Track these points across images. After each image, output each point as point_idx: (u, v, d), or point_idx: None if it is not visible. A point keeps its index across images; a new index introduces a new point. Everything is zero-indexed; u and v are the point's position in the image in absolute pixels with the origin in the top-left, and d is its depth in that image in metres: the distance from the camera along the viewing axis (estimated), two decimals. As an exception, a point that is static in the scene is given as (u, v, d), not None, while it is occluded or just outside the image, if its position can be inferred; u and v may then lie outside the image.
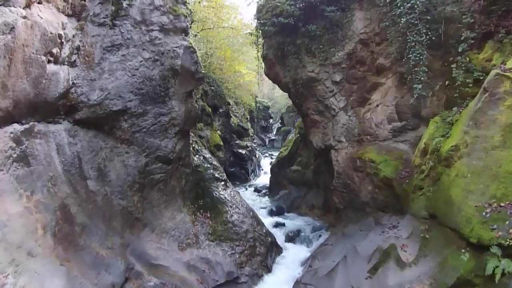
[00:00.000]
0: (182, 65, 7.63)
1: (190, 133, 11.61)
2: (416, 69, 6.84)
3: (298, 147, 14.20)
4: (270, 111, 38.37)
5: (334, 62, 8.17)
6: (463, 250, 4.66)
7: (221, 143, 16.77)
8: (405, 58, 7.08)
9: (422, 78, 6.75)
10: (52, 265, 5.82)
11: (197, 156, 10.34)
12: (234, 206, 10.00)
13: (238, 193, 11.02)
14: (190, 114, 8.25)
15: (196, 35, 16.70)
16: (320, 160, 12.56)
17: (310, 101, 8.87)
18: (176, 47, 7.54)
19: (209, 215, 9.75)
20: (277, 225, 12.37)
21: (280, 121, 37.01)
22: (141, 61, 7.50)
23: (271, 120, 39.29)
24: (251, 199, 15.95)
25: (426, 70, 6.78)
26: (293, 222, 12.85)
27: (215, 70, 18.02)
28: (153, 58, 7.45)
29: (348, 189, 8.15)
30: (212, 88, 17.03)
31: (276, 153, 28.88)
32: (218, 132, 17.84)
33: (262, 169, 22.93)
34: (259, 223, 10.33)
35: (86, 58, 7.71)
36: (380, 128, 7.87)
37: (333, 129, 8.53)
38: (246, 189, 18.17)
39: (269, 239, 10.04)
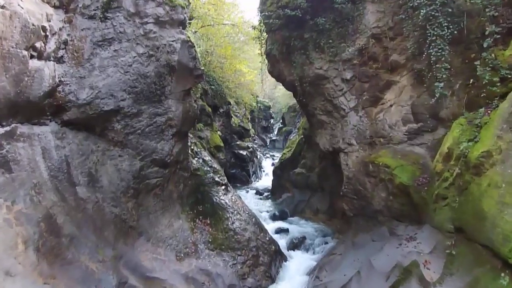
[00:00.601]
0: (179, 60, 7.02)
1: (189, 134, 11.01)
2: (437, 65, 6.22)
3: (302, 149, 13.60)
4: (271, 111, 37.86)
5: (344, 59, 7.55)
6: (502, 274, 4.06)
7: (222, 144, 16.17)
8: (424, 54, 6.46)
9: (444, 76, 6.13)
10: (34, 286, 5.21)
11: (196, 159, 9.73)
12: (236, 212, 9.40)
13: (240, 197, 10.42)
14: (188, 114, 7.63)
15: (195, 31, 16.07)
16: (325, 162, 11.96)
17: (317, 100, 8.26)
18: (173, 41, 6.92)
19: (209, 222, 9.15)
20: (280, 230, 11.79)
21: (281, 121, 36.58)
22: (134, 57, 6.89)
23: (272, 120, 38.84)
24: (252, 202, 15.38)
25: (448, 67, 6.16)
26: (297, 227, 12.27)
27: (215, 69, 17.41)
28: (148, 53, 6.83)
29: (359, 196, 7.55)
30: (212, 87, 16.41)
31: (277, 154, 28.39)
32: (219, 132, 17.24)
33: (264, 171, 22.35)
34: (262, 230, 9.73)
35: (75, 54, 7.10)
36: (394, 130, 7.26)
37: (343, 131, 7.91)
38: (247, 191, 17.59)
39: (273, 247, 9.45)
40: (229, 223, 9.01)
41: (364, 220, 7.71)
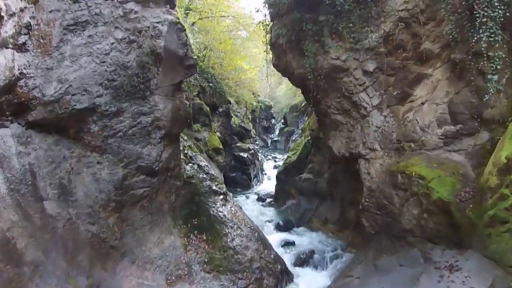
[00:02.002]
0: (166, 47, 5.79)
1: (183, 136, 9.77)
2: (488, 54, 4.99)
3: (309, 152, 12.35)
4: (272, 111, 36.81)
5: (367, 47, 6.31)
6: None
7: (221, 146, 14.95)
8: (464, 41, 5.24)
9: (498, 67, 4.91)
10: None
11: (190, 164, 8.50)
12: (236, 226, 8.16)
13: (241, 208, 9.19)
14: (178, 113, 6.41)
15: (193, 23, 14.87)
16: (336, 167, 10.73)
17: (332, 97, 7.00)
18: (158, 22, 5.69)
19: (205, 238, 7.92)
20: (286, 244, 10.57)
21: (282, 121, 35.58)
22: (112, 43, 5.67)
23: (273, 120, 37.81)
24: (254, 209, 14.16)
25: (503, 55, 4.94)
26: (304, 239, 11.05)
27: (214, 65, 16.19)
28: (128, 38, 5.61)
29: (383, 211, 6.33)
30: (211, 85, 15.19)
31: (279, 156, 27.21)
32: (218, 133, 16.02)
33: (265, 174, 21.13)
34: (266, 246, 8.49)
35: (41, 41, 5.89)
36: (427, 133, 6.04)
37: (363, 133, 6.68)
38: (248, 197, 16.37)
39: (279, 266, 8.22)
40: (228, 240, 7.78)
41: (389, 240, 6.48)
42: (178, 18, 5.91)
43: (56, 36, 5.85)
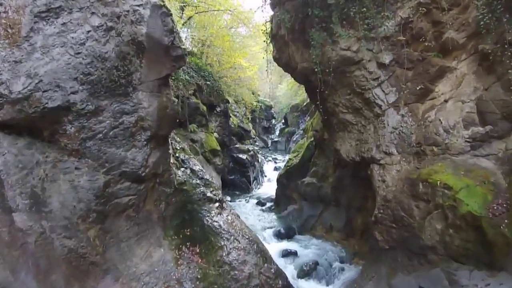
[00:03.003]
0: (148, 34, 5.01)
1: (175, 137, 9.00)
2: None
3: (312, 155, 11.57)
4: (272, 111, 36.20)
5: (382, 35, 5.53)
6: None
7: (218, 148, 14.19)
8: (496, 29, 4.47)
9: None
10: None
11: (182, 169, 7.72)
12: (232, 238, 7.38)
13: (238, 217, 8.40)
14: (165, 112, 5.64)
15: (189, 18, 14.13)
16: (341, 171, 9.97)
17: (341, 93, 6.21)
18: (139, 5, 4.90)
19: (198, 251, 7.14)
20: (288, 254, 9.82)
21: (283, 121, 34.98)
22: (88, 32, 4.89)
23: (273, 121, 37.22)
24: (253, 215, 13.42)
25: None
26: (307, 249, 10.29)
27: (212, 63, 15.46)
28: (106, 25, 4.83)
29: (400, 224, 5.55)
30: (208, 83, 14.42)
31: (280, 157, 26.45)
32: (215, 134, 15.28)
33: (265, 176, 20.36)
34: (266, 259, 7.70)
35: (9, 30, 5.15)
36: (452, 135, 5.26)
37: (377, 135, 5.90)
38: (248, 201, 15.62)
39: (280, 282, 7.42)
40: (224, 254, 7.00)
41: (406, 256, 5.71)
42: (163, 1, 5.14)
43: (26, 25, 5.09)
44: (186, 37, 15.56)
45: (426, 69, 5.52)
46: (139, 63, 5.17)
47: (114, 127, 5.72)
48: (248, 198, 16.12)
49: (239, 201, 15.68)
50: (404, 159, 5.54)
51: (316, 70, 5.89)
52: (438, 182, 4.91)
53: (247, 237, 7.74)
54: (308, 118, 15.38)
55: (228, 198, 15.75)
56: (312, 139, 11.61)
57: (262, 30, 7.54)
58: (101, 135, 5.66)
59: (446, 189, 4.85)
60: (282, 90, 34.95)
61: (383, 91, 5.74)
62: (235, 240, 7.38)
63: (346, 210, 10.23)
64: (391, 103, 5.73)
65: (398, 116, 5.68)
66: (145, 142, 6.07)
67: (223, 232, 7.43)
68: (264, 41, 7.47)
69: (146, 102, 5.48)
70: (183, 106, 12.42)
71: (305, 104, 23.40)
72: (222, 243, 7.24)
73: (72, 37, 4.94)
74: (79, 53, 4.91)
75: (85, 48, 4.89)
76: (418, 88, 5.59)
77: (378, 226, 5.94)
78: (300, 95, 26.94)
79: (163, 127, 5.84)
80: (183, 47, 5.21)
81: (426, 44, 5.59)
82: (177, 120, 6.03)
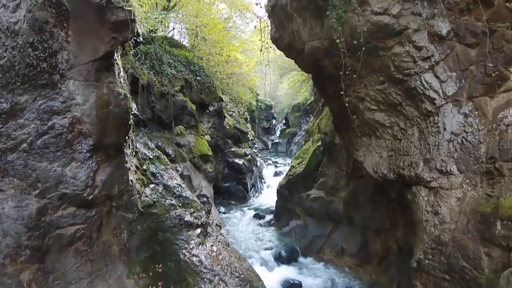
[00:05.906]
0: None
1: (148, 144, 7.13)
2: None
3: (320, 162, 9.68)
4: (272, 111, 34.60)
5: (435, -5, 3.66)
6: None
7: (210, 153, 12.32)
8: None
9: None
10: None
11: (152, 186, 5.84)
12: (217, 279, 5.51)
13: (227, 245, 6.54)
14: (108, 110, 3.79)
15: (175, 4, 12.31)
16: (358, 184, 8.12)
17: (368, 82, 4.26)
18: None
19: (172, 296, 5.32)
20: (290, 286, 7.96)
21: (284, 122, 33.47)
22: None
23: (274, 121, 35.67)
24: (250, 231, 11.59)
25: None
26: (313, 278, 8.48)
27: (204, 56, 13.62)
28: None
29: (458, 277, 3.66)
30: (199, 78, 12.55)
31: (280, 160, 24.62)
32: (207, 137, 13.40)
33: (265, 182, 18.52)
34: (263, 304, 5.88)
35: None
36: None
37: (425, 143, 3.97)
38: (244, 212, 13.80)
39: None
40: (205, 304, 5.15)
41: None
42: None
43: None
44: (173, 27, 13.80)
45: (499, 46, 3.66)
46: (65, 37, 3.34)
47: (42, 133, 3.89)
48: (244, 208, 14.31)
49: (235, 212, 13.87)
50: (469, 181, 3.62)
51: (336, 44, 3.97)
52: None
53: (237, 275, 5.87)
54: (313, 118, 13.48)
55: (222, 210, 13.95)
56: (320, 143, 9.72)
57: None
58: (25, 145, 3.83)
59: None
60: (283, 89, 33.39)
61: (437, 77, 3.82)
62: (220, 282, 5.51)
63: (361, 231, 8.39)
64: (450, 96, 3.82)
65: (459, 115, 3.76)
66: (88, 154, 4.22)
67: (205, 270, 5.56)
68: (257, 22, 5.51)
69: (80, 96, 3.64)
70: (168, 105, 10.60)
71: (308, 102, 21.62)
72: (203, 287, 5.38)
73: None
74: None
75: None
76: (486, 75, 3.71)
77: (422, 276, 4.05)
78: (302, 94, 25.22)
79: (108, 132, 3.98)
80: (128, 8, 3.31)
81: (493, 11, 3.73)
82: (129, 122, 4.10)
